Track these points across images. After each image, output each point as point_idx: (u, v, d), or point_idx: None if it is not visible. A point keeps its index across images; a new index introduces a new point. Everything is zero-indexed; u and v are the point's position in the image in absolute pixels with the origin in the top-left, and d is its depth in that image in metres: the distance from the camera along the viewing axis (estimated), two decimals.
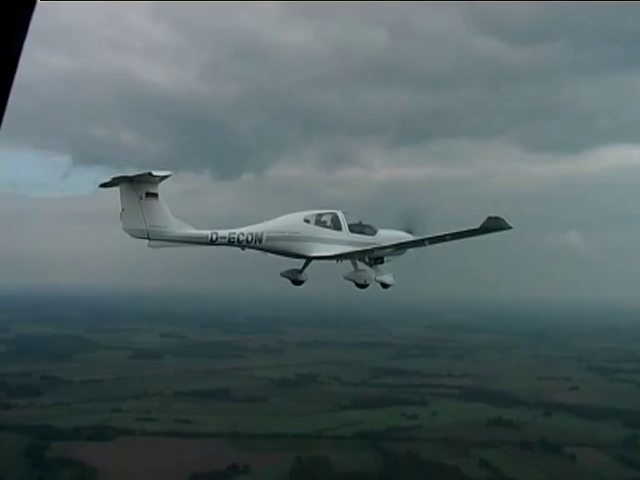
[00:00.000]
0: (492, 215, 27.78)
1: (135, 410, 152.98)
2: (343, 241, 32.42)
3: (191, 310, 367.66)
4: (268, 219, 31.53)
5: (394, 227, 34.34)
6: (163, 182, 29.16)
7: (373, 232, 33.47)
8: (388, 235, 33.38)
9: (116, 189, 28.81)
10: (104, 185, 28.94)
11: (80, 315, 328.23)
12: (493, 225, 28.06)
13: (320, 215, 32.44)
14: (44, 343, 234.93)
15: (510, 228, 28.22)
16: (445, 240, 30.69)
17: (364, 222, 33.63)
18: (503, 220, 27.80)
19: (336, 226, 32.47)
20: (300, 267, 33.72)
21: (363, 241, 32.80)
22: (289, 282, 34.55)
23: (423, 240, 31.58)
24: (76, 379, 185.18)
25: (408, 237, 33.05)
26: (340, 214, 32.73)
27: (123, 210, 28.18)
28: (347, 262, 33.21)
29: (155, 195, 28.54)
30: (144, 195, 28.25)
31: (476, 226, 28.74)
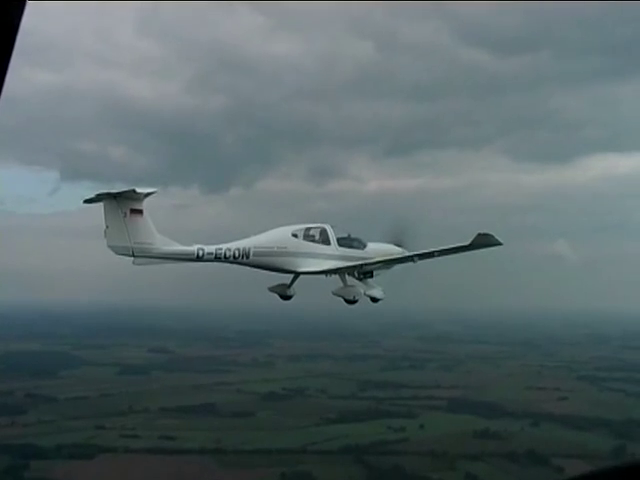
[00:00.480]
0: (482, 232, 28.50)
1: (119, 427, 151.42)
2: (332, 255, 32.26)
3: (180, 325, 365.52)
4: (255, 234, 31.31)
5: (383, 239, 34.13)
6: (150, 197, 29.00)
7: (362, 246, 33.37)
8: (377, 249, 33.28)
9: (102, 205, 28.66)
10: (88, 201, 28.91)
11: (68, 331, 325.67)
12: (483, 241, 28.70)
13: (308, 229, 32.24)
14: (30, 360, 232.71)
15: (500, 244, 28.96)
16: (434, 256, 31.01)
17: (353, 236, 33.52)
18: (492, 236, 28.54)
19: (324, 240, 32.33)
20: (288, 282, 33.28)
21: (352, 255, 32.67)
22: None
23: (412, 256, 31.70)
24: (61, 396, 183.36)
25: (397, 250, 33.08)
26: (328, 228, 32.52)
27: (107, 227, 28.27)
28: (336, 275, 32.94)
29: (140, 212, 28.39)
30: (128, 212, 28.09)
31: (466, 242, 29.27)
